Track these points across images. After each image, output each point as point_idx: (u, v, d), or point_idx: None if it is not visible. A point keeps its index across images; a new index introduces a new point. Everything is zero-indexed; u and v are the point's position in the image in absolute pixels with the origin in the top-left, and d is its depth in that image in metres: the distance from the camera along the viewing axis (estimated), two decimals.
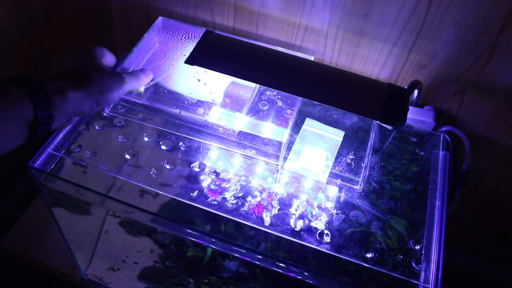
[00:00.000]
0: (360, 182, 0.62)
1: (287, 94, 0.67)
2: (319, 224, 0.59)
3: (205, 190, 0.61)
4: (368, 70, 0.76)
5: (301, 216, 0.60)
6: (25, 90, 0.45)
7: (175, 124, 0.65)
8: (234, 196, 0.61)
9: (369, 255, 0.57)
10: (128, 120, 0.67)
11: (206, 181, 0.62)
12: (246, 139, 0.63)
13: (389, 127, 0.70)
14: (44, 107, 0.46)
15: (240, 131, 0.63)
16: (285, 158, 0.63)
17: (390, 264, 0.57)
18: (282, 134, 0.62)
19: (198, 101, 0.65)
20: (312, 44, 0.76)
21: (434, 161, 0.68)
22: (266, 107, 0.66)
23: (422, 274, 0.56)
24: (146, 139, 0.66)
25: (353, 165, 0.64)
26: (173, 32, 0.73)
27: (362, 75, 0.70)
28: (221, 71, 0.60)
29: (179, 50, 0.69)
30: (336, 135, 0.66)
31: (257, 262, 0.59)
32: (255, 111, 0.66)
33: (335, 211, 0.60)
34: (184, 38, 0.73)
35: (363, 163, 0.64)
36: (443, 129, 0.72)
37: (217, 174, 0.63)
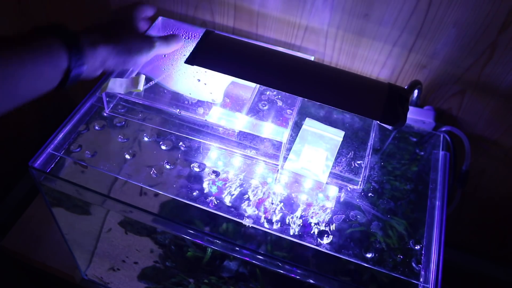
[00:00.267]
0: (360, 182, 0.62)
1: (287, 94, 0.67)
2: (319, 224, 0.59)
3: (205, 190, 0.61)
4: (368, 70, 0.76)
5: (301, 216, 0.60)
6: (63, 40, 0.49)
7: (175, 124, 0.65)
8: (234, 196, 0.61)
9: (369, 255, 0.57)
10: (128, 120, 0.67)
11: (206, 181, 0.62)
12: (246, 139, 0.63)
13: (389, 127, 0.70)
14: (77, 58, 0.50)
15: (240, 131, 0.63)
16: (285, 158, 0.63)
17: (390, 264, 0.57)
18: (282, 134, 0.62)
19: (198, 101, 0.65)
20: (312, 44, 0.76)
21: (434, 161, 0.68)
22: (266, 107, 0.66)
23: (422, 274, 0.56)
24: (146, 139, 0.66)
25: (353, 165, 0.64)
26: (173, 32, 0.73)
27: (362, 75, 0.70)
28: (221, 71, 0.60)
29: (179, 50, 0.69)
30: (336, 135, 0.66)
31: (257, 262, 0.59)
32: (255, 111, 0.66)
33: (335, 212, 0.60)
34: (184, 38, 0.73)
35: (363, 163, 0.64)
36: (443, 129, 0.72)
37: (217, 174, 0.63)
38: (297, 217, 0.60)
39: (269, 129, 0.63)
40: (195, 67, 0.61)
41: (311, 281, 0.57)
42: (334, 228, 0.59)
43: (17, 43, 0.46)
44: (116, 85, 0.64)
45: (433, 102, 0.77)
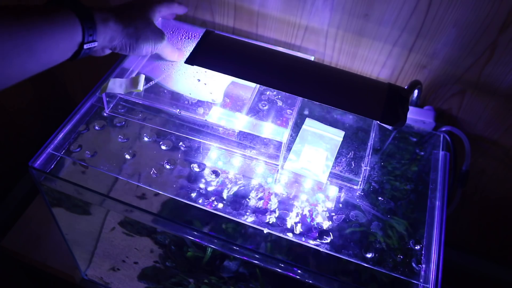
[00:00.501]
0: (360, 182, 0.62)
1: (287, 94, 0.67)
2: (319, 224, 0.59)
3: (205, 190, 0.61)
4: (368, 70, 0.76)
5: (301, 216, 0.60)
6: (77, 14, 0.52)
7: (175, 124, 0.65)
8: (234, 196, 0.61)
9: (369, 255, 0.57)
10: (128, 120, 0.67)
11: (206, 181, 0.62)
12: (246, 139, 0.63)
13: (389, 127, 0.70)
14: (90, 33, 0.53)
15: (240, 131, 0.63)
16: (285, 158, 0.63)
17: (390, 264, 0.57)
18: (282, 134, 0.62)
19: (198, 101, 0.65)
20: (312, 44, 0.76)
21: (434, 161, 0.68)
22: (266, 107, 0.66)
23: (422, 274, 0.56)
24: (146, 139, 0.66)
25: (353, 165, 0.64)
26: (173, 32, 0.73)
27: (362, 75, 0.70)
28: (221, 71, 0.60)
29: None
30: (336, 135, 0.66)
31: (257, 262, 0.59)
32: (255, 111, 0.66)
33: (335, 212, 0.60)
34: (184, 38, 0.73)
35: (363, 163, 0.64)
36: (443, 129, 0.72)
37: (217, 174, 0.63)
38: (297, 217, 0.60)
39: (269, 129, 0.63)
40: (195, 67, 0.61)
41: (311, 281, 0.57)
42: (334, 228, 0.59)
43: (36, 13, 0.48)
44: (116, 85, 0.64)
45: (433, 102, 0.77)
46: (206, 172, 0.63)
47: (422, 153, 0.70)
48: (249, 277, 0.65)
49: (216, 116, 0.64)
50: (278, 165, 0.63)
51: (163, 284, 0.79)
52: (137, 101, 0.65)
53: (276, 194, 0.62)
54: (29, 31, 0.46)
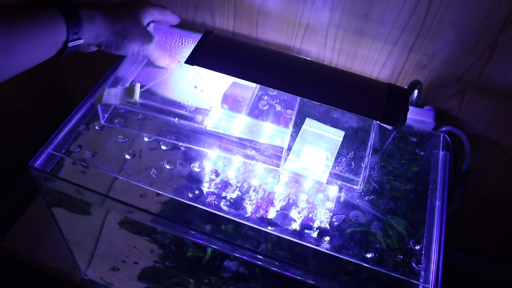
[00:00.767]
0: (360, 182, 0.62)
1: (287, 94, 0.67)
2: (319, 224, 0.59)
3: (205, 190, 0.61)
4: (368, 70, 0.76)
5: (301, 216, 0.60)
6: (62, 12, 0.51)
7: (174, 133, 0.65)
8: (234, 196, 0.61)
9: (369, 255, 0.57)
10: (128, 120, 0.67)
11: (206, 181, 0.62)
12: (246, 140, 0.63)
13: (389, 127, 0.70)
14: (75, 31, 0.53)
15: (240, 132, 0.63)
16: (285, 158, 0.63)
17: (390, 264, 0.57)
18: (282, 134, 0.62)
19: (196, 108, 0.65)
20: (312, 44, 0.76)
21: (434, 161, 0.68)
22: (266, 108, 0.66)
23: (422, 274, 0.56)
24: (146, 139, 0.66)
25: (353, 165, 0.64)
26: (166, 38, 0.72)
27: (362, 75, 0.70)
28: (221, 71, 0.60)
29: (175, 57, 0.69)
30: (336, 135, 0.66)
31: (257, 262, 0.59)
32: (255, 112, 0.66)
33: (335, 212, 0.60)
34: (178, 44, 0.72)
35: (363, 163, 0.64)
36: (443, 129, 0.72)
37: (217, 174, 0.63)
38: (297, 217, 0.60)
39: (269, 130, 0.63)
40: (191, 74, 0.61)
41: (311, 281, 0.57)
42: (334, 228, 0.59)
43: (20, 12, 0.48)
44: (111, 96, 0.63)
45: (433, 102, 0.77)
46: (206, 172, 0.63)
47: (422, 153, 0.70)
48: (249, 277, 0.65)
49: (216, 117, 0.63)
50: (278, 168, 0.63)
51: (163, 284, 0.79)
52: (134, 110, 0.64)
53: (276, 194, 0.62)
54: (11, 31, 0.46)
